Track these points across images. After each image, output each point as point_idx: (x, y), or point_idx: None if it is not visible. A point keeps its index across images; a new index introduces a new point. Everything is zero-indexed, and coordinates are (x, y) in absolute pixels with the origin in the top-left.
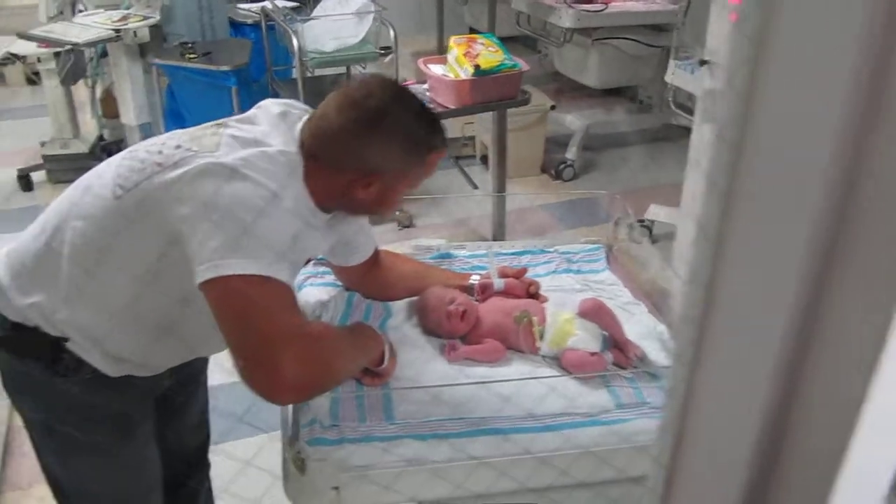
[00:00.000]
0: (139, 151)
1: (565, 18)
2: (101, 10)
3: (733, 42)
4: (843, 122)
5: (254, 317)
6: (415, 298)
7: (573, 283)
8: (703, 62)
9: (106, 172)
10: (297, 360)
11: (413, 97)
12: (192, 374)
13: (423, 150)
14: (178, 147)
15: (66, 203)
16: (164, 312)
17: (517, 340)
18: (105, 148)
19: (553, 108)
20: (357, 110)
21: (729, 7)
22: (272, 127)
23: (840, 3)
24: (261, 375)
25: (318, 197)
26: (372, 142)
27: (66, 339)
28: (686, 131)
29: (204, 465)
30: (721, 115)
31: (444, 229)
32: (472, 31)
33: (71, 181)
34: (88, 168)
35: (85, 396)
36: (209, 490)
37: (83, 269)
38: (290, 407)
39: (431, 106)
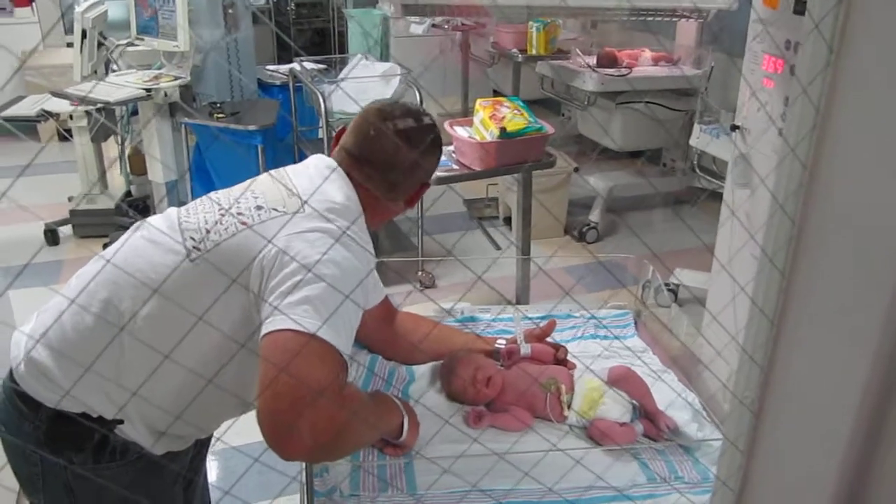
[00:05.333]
0: (200, 214)
1: (589, 82)
2: (134, 70)
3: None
4: None
5: (297, 365)
6: (439, 363)
7: (601, 349)
8: (734, 127)
9: (158, 237)
10: (318, 419)
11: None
12: (202, 450)
13: None
14: (260, 208)
15: (109, 275)
16: (236, 371)
17: (544, 408)
18: (132, 204)
19: (576, 170)
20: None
21: (760, 73)
22: (328, 180)
23: None
24: (280, 421)
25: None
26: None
27: (120, 422)
28: (710, 194)
29: None
30: None
31: (465, 290)
32: (497, 93)
33: (97, 236)
34: (114, 224)
35: (127, 486)
36: None
37: (155, 340)
38: (305, 473)
39: (456, 167)
